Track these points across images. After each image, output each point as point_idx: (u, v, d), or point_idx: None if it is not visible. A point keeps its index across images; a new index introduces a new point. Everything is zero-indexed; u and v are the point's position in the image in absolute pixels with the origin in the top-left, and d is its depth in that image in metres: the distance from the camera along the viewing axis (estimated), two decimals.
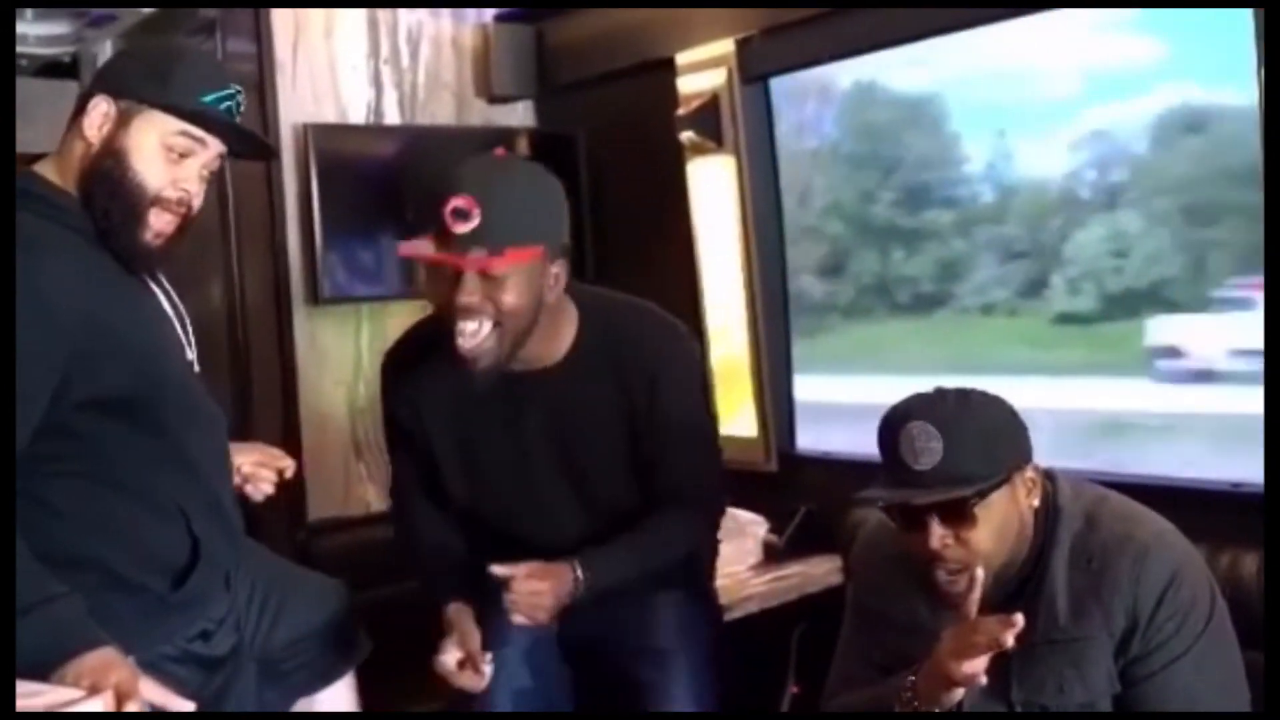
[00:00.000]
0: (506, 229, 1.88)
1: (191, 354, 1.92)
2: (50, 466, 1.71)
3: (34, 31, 3.64)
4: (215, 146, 1.84)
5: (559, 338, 2.11)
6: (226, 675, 1.92)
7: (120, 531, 1.78)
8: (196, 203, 1.84)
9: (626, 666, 2.24)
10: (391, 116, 3.82)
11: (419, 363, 2.16)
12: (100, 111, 1.78)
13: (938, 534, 1.75)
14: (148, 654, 1.73)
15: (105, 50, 3.94)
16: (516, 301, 1.94)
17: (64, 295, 1.68)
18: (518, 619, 2.00)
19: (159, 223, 1.80)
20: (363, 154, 3.74)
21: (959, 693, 1.71)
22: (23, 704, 1.36)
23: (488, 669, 2.05)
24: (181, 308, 1.93)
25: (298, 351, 3.58)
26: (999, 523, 1.76)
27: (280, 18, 3.57)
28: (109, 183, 1.76)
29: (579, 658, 2.31)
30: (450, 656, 2.07)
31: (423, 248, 1.92)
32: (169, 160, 1.79)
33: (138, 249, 1.80)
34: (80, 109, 1.79)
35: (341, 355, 3.72)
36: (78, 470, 1.75)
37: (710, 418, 2.29)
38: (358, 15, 3.74)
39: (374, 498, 3.74)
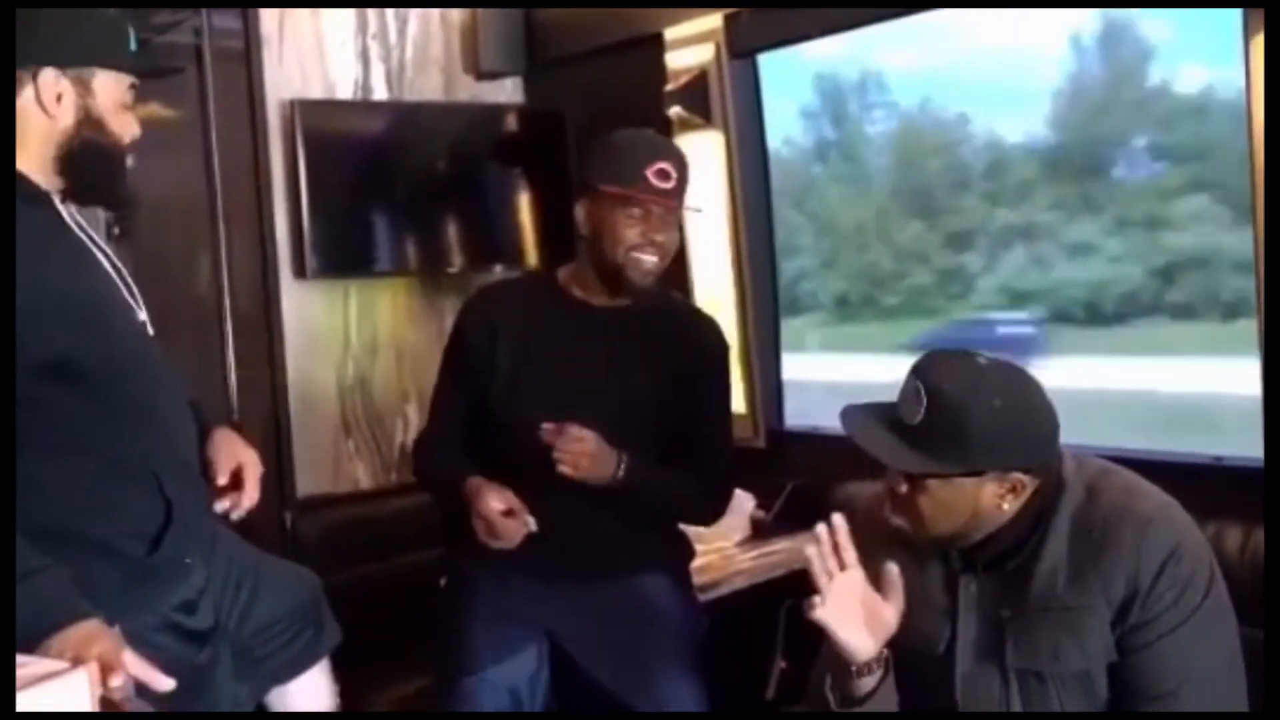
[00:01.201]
0: (684, 192, 2.37)
1: (142, 314, 1.93)
2: (20, 439, 1.70)
3: None
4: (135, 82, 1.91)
5: None
6: (210, 652, 1.93)
7: (95, 499, 1.79)
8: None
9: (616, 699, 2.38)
10: (379, 92, 3.80)
11: (504, 292, 2.58)
12: (50, 85, 1.79)
13: (892, 474, 1.82)
14: (132, 623, 1.74)
15: None
16: (677, 241, 2.42)
17: (21, 254, 1.68)
18: (563, 469, 2.24)
19: (129, 161, 1.90)
20: (350, 130, 3.73)
21: (857, 643, 1.76)
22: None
23: (530, 520, 2.27)
24: (125, 271, 1.94)
25: (285, 328, 3.57)
26: (946, 502, 1.78)
27: None
28: (97, 150, 1.83)
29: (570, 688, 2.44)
30: (495, 503, 2.26)
31: (629, 194, 2.32)
32: (125, 112, 1.87)
33: (123, 192, 1.93)
34: (18, 86, 1.79)
35: (330, 332, 3.71)
36: (47, 441, 1.75)
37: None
38: None
39: (362, 475, 3.75)
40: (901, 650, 1.84)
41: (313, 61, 3.67)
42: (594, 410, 2.32)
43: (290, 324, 3.59)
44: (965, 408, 1.73)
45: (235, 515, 2.03)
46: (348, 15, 3.73)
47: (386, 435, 3.80)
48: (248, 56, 3.50)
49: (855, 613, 1.77)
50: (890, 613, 1.77)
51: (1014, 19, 3.04)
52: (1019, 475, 1.78)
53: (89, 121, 1.82)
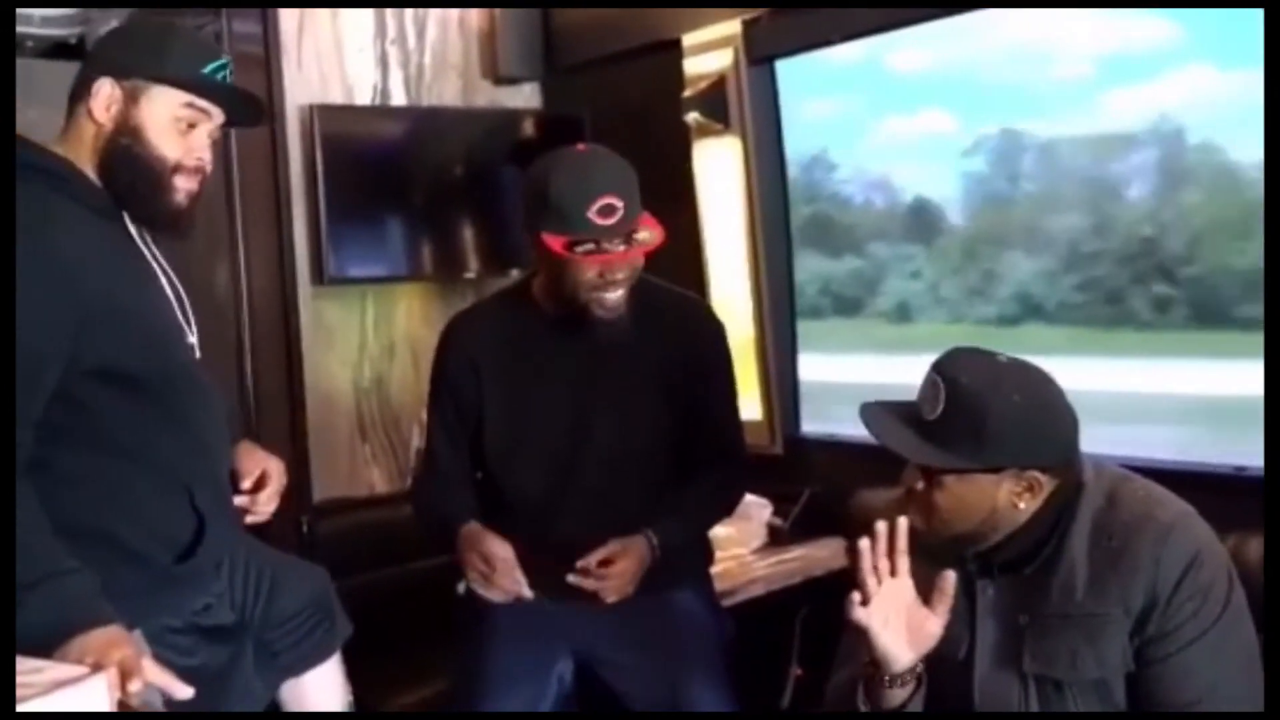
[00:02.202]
0: (634, 211, 2.20)
1: (192, 338, 1.95)
2: (62, 436, 1.74)
3: (40, 13, 3.64)
4: (218, 115, 1.91)
5: None
6: (232, 649, 1.96)
7: (128, 503, 1.82)
8: (209, 168, 1.92)
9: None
10: (398, 98, 3.81)
11: (480, 324, 2.45)
12: (105, 93, 1.83)
13: (909, 471, 1.81)
14: (153, 625, 1.76)
15: None
16: (640, 263, 2.27)
17: (80, 262, 1.73)
18: (611, 598, 2.24)
19: (185, 185, 1.88)
20: (369, 135, 3.74)
21: (896, 653, 1.74)
22: (23, 680, 1.36)
23: (526, 589, 2.23)
24: (183, 292, 1.96)
25: (303, 333, 3.57)
26: (963, 499, 1.77)
27: None
28: (129, 158, 1.83)
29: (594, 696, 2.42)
30: (497, 548, 2.23)
31: (575, 240, 2.18)
32: (179, 132, 1.86)
33: (170, 212, 1.88)
34: (83, 93, 1.84)
35: (347, 336, 3.72)
36: (88, 441, 1.78)
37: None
38: None
39: (378, 479, 3.76)
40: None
41: (332, 66, 3.67)
42: (595, 430, 2.31)
43: (307, 329, 3.59)
44: (983, 402, 1.73)
45: (250, 519, 2.06)
46: (366, 20, 3.74)
47: (403, 440, 3.80)
48: (267, 61, 3.49)
49: (899, 621, 1.75)
50: (935, 625, 1.76)
51: None
52: (1036, 474, 1.77)
53: (126, 129, 1.83)
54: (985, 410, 1.73)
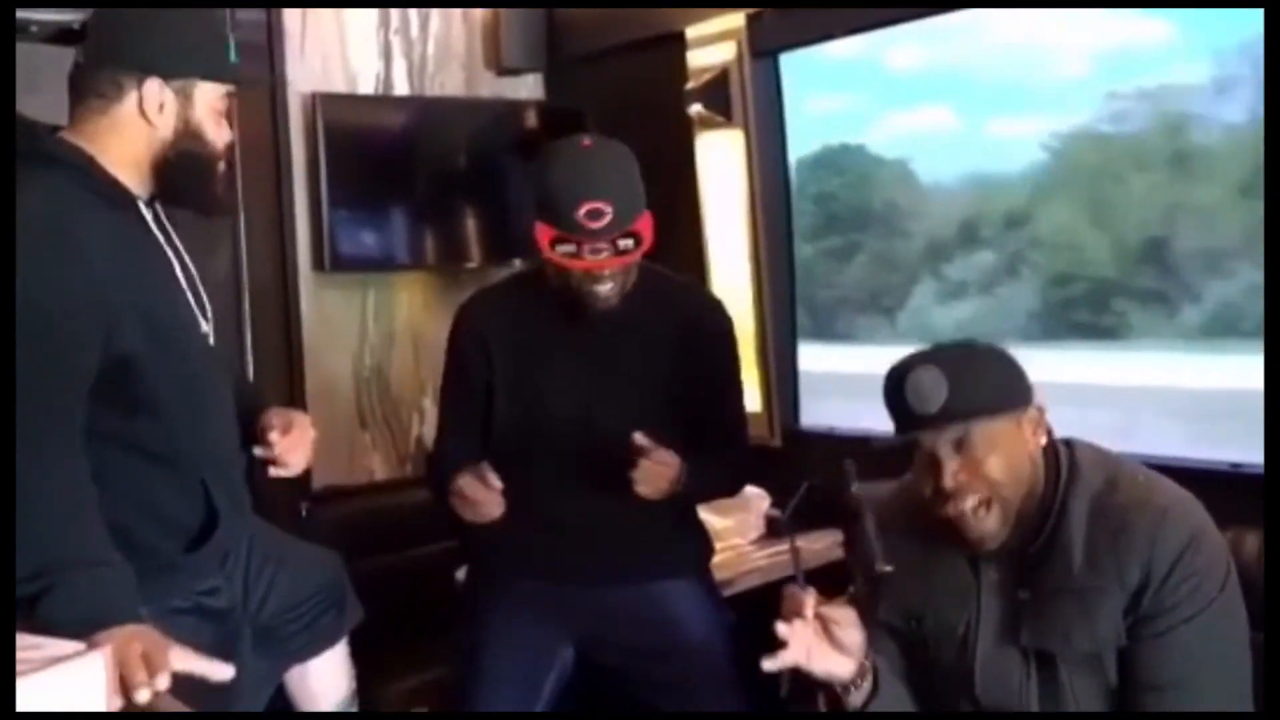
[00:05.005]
0: (627, 215, 2.19)
1: (207, 326, 1.95)
2: (90, 425, 1.73)
3: None
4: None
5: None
6: (225, 635, 1.95)
7: (145, 500, 1.82)
8: None
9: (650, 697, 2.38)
10: (401, 87, 3.82)
11: (493, 303, 2.48)
12: (155, 95, 1.82)
13: (951, 470, 1.79)
14: (159, 608, 1.75)
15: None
16: (637, 260, 2.27)
17: (99, 249, 1.73)
18: (642, 489, 2.20)
19: (222, 169, 1.94)
20: (371, 124, 3.74)
21: (834, 669, 1.82)
22: (21, 655, 1.36)
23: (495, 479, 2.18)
24: (196, 278, 1.96)
25: (304, 321, 3.58)
26: (1009, 453, 1.80)
27: None
28: (194, 158, 1.87)
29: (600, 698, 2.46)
30: (468, 475, 2.21)
31: (559, 238, 2.20)
32: (219, 120, 1.91)
33: (218, 197, 1.96)
34: (112, 91, 1.81)
35: (347, 325, 3.73)
36: (105, 437, 1.76)
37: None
38: None
39: (378, 467, 3.76)
40: (924, 635, 1.89)
41: (335, 55, 3.67)
42: (601, 411, 2.32)
43: (308, 316, 3.60)
44: (970, 362, 1.82)
45: (276, 470, 2.03)
46: (370, 10, 3.74)
47: (402, 428, 3.81)
48: (270, 49, 3.50)
49: (820, 643, 1.82)
50: (853, 632, 1.82)
51: None
52: (1034, 409, 1.84)
53: (188, 133, 1.86)
54: (984, 366, 1.82)
